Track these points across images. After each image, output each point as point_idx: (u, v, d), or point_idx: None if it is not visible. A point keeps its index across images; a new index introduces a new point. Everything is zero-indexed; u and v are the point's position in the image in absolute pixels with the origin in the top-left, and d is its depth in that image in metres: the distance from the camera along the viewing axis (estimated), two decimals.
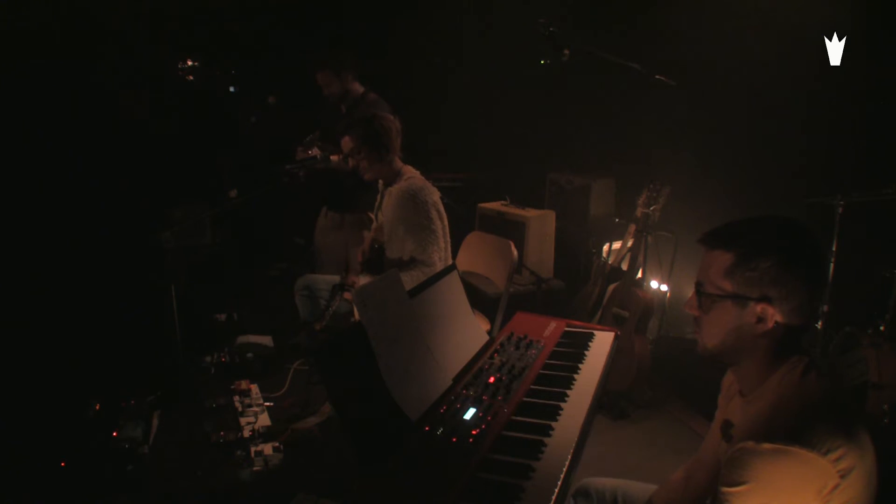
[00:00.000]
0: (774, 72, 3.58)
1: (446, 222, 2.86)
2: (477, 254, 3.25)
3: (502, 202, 4.45)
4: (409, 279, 2.58)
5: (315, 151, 3.40)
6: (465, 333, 2.02)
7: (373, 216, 3.66)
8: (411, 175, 2.85)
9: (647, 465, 2.80)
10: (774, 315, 1.19)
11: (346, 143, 2.81)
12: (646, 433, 3.10)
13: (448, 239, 2.87)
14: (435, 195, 2.79)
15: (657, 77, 3.15)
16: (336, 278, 3.21)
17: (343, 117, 3.61)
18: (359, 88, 3.61)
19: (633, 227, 3.31)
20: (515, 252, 2.96)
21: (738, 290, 1.20)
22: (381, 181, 3.02)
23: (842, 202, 3.03)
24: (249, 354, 3.51)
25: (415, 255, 2.70)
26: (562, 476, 1.37)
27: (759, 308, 1.19)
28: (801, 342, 1.24)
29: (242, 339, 3.57)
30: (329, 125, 3.57)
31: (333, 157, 3.38)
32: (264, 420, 2.94)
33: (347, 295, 2.79)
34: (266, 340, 3.67)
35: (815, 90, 3.34)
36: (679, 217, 3.57)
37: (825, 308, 3.11)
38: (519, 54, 4.56)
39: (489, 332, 2.54)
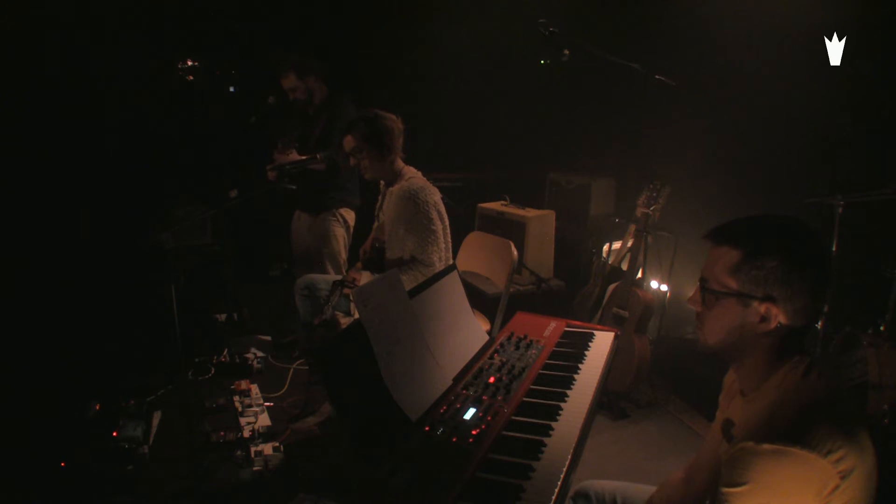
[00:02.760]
0: (774, 72, 3.58)
1: (447, 222, 2.86)
2: (477, 254, 3.25)
3: (502, 202, 4.45)
4: (409, 279, 2.58)
5: (294, 155, 3.43)
6: (465, 333, 2.02)
7: (343, 213, 3.69)
8: (412, 175, 2.85)
9: (647, 466, 2.80)
10: (778, 315, 1.18)
11: (349, 141, 2.81)
12: (646, 433, 3.10)
13: (449, 239, 2.87)
14: (436, 195, 2.79)
15: (657, 77, 3.15)
16: (338, 277, 3.21)
17: (310, 119, 3.63)
18: (323, 89, 3.63)
19: (633, 227, 3.31)
20: (515, 252, 2.96)
21: (742, 288, 1.20)
22: (381, 181, 3.02)
23: (842, 202, 3.03)
24: (249, 355, 3.52)
25: (415, 254, 2.70)
26: (562, 476, 1.37)
27: (762, 307, 1.19)
28: (803, 342, 1.24)
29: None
30: (302, 128, 3.60)
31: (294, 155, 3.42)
32: (264, 420, 2.94)
33: (347, 291, 2.79)
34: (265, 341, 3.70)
35: (815, 90, 3.34)
36: (679, 217, 3.57)
37: (825, 308, 3.11)
38: (519, 54, 4.57)
39: (489, 332, 2.54)
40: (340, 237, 3.73)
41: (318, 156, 3.36)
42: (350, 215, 3.76)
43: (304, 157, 3.38)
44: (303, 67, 3.51)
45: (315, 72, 3.57)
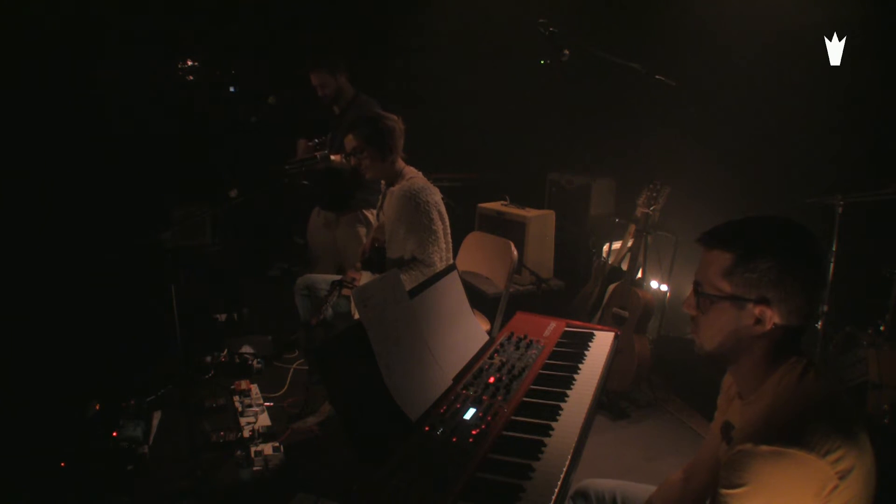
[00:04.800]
0: (774, 72, 3.58)
1: (448, 222, 2.86)
2: (477, 254, 3.25)
3: (502, 202, 4.45)
4: (410, 279, 2.58)
5: (316, 151, 3.41)
6: (465, 333, 2.02)
7: (367, 213, 3.69)
8: (413, 175, 2.85)
9: (647, 465, 2.80)
10: (773, 317, 1.18)
11: (350, 141, 2.81)
12: (646, 433, 3.10)
13: (449, 240, 2.87)
14: (436, 195, 2.80)
15: (657, 77, 3.15)
16: (337, 277, 3.21)
17: (336, 118, 3.63)
18: (351, 89, 3.63)
19: (633, 227, 3.31)
20: (515, 252, 2.96)
21: (736, 291, 1.20)
22: (383, 181, 3.02)
23: (842, 202, 3.03)
24: (249, 352, 3.51)
25: (416, 254, 2.71)
26: (562, 476, 1.37)
27: (757, 310, 1.18)
28: (799, 343, 1.24)
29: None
30: (327, 126, 3.59)
31: (335, 157, 3.39)
32: (264, 420, 2.94)
33: (346, 291, 2.79)
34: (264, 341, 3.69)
35: (815, 90, 3.34)
36: (679, 217, 3.57)
37: (825, 308, 3.11)
38: (519, 54, 4.56)
39: (489, 332, 2.54)
40: (363, 237, 3.74)
41: (317, 155, 3.36)
42: (373, 216, 3.76)
43: (303, 157, 3.37)
44: (335, 65, 3.51)
45: (346, 70, 3.57)
